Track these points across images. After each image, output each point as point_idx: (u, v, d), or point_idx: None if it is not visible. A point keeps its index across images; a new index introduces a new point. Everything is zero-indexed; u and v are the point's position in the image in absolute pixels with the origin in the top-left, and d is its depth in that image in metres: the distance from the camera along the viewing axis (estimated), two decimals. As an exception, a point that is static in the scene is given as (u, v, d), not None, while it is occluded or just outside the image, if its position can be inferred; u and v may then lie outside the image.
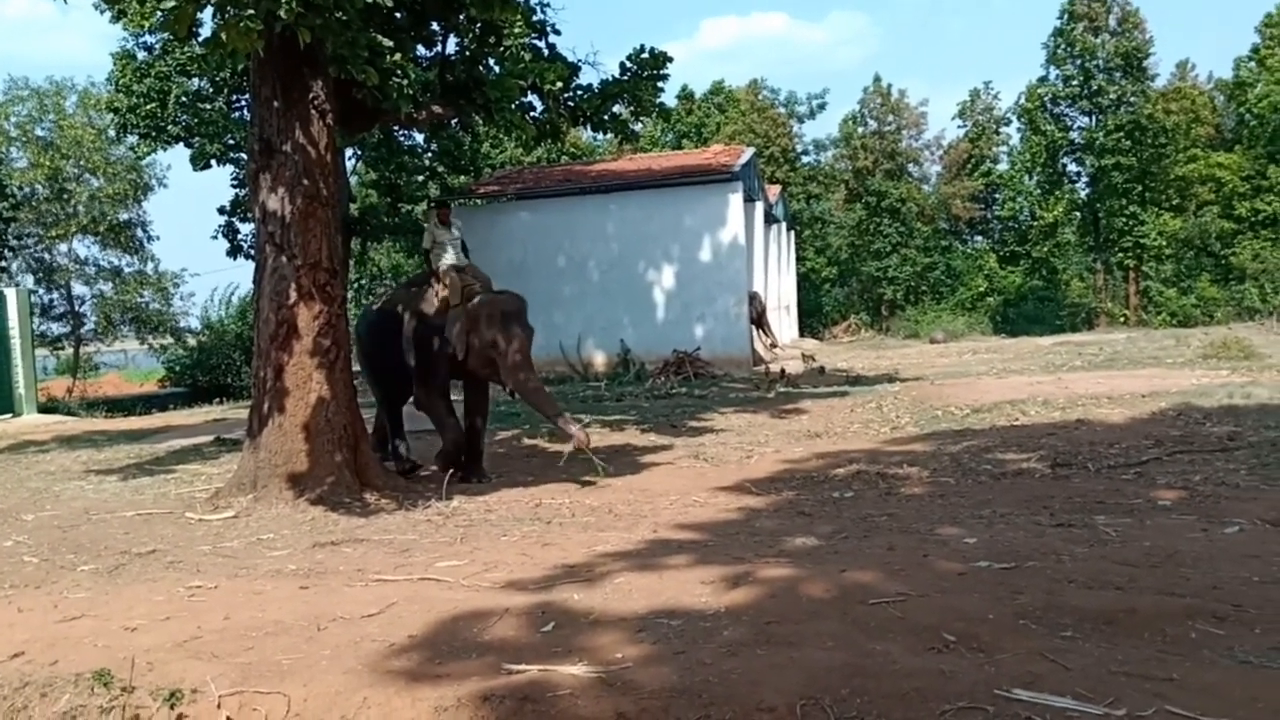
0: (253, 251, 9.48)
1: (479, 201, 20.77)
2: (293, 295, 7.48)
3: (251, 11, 6.11)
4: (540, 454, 9.95)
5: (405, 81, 8.25)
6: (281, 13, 6.15)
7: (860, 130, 41.08)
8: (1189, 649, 3.26)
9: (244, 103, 17.63)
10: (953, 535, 5.22)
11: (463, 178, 21.76)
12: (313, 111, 7.54)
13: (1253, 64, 35.77)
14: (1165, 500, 5.93)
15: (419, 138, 19.83)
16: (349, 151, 18.28)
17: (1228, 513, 5.37)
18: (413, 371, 8.72)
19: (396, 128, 16.15)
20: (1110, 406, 9.89)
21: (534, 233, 20.62)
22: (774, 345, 23.53)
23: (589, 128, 10.59)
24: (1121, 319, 33.45)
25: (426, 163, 20.72)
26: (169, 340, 27.68)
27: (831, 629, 3.55)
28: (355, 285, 30.47)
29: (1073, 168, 37.21)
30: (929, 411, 10.49)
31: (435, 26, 9.44)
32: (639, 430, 11.23)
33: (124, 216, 28.42)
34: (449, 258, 8.87)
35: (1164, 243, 34.58)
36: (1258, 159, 33.65)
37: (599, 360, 20.11)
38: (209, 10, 6.52)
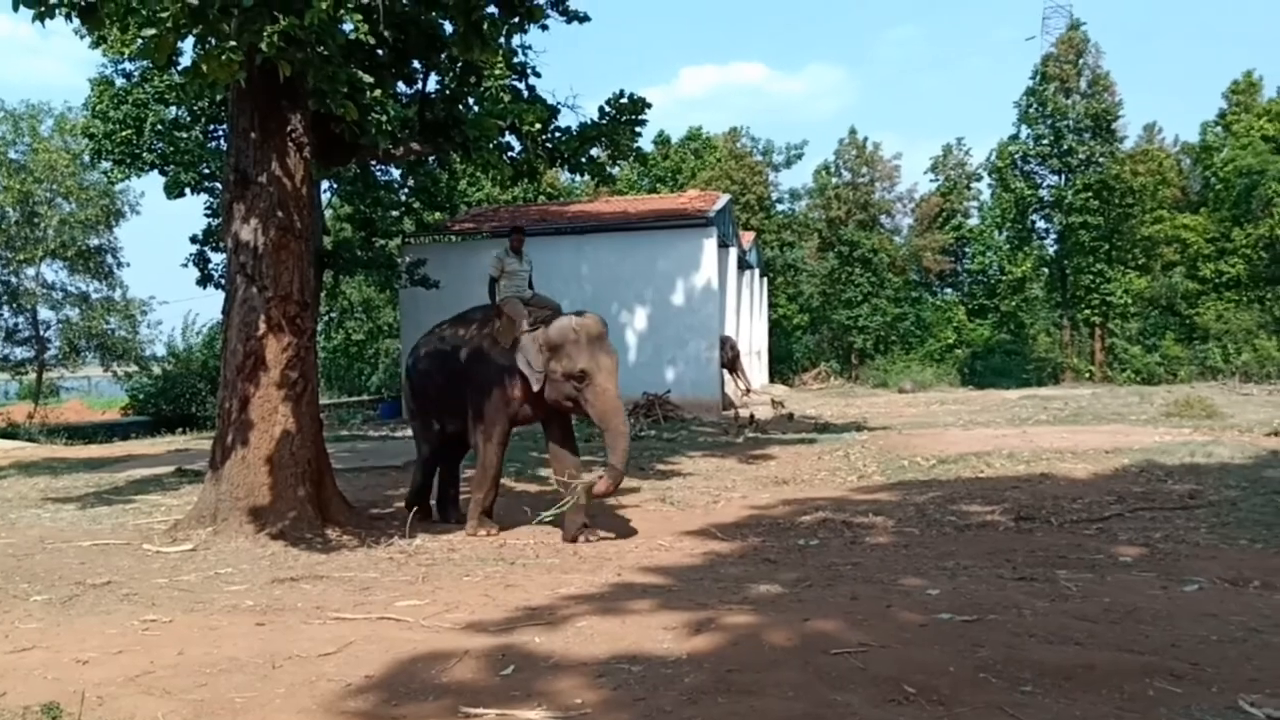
0: (223, 281, 9.43)
1: (453, 238, 20.79)
2: (262, 327, 7.44)
3: (233, 43, 6.13)
4: (506, 493, 9.87)
5: (384, 117, 8.33)
6: (263, 46, 6.17)
7: (834, 181, 41.56)
8: (1146, 706, 3.27)
9: (221, 132, 17.61)
10: (916, 586, 5.22)
11: (438, 214, 21.79)
12: (290, 144, 7.56)
13: (1219, 129, 36.63)
14: (1126, 557, 5.98)
15: (396, 173, 19.87)
16: (324, 184, 18.27)
17: (1187, 571, 5.42)
18: (472, 411, 7.80)
19: (374, 163, 16.18)
20: (1074, 461, 9.97)
21: (508, 271, 20.63)
22: (748, 390, 23.58)
23: (566, 169, 10.69)
24: (1087, 375, 33.83)
25: (402, 198, 20.76)
26: (134, 368, 27.37)
27: (792, 678, 3.54)
28: (326, 318, 30.36)
29: (1042, 224, 37.77)
30: (896, 461, 10.53)
31: (416, 64, 9.51)
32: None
33: (94, 242, 28.18)
34: (516, 290, 8.10)
35: (1130, 301, 35.10)
36: (1222, 221, 34.32)
37: (569, 401, 20.03)
38: (190, 40, 6.55)
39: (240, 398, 7.45)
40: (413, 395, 8.68)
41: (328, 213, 21.54)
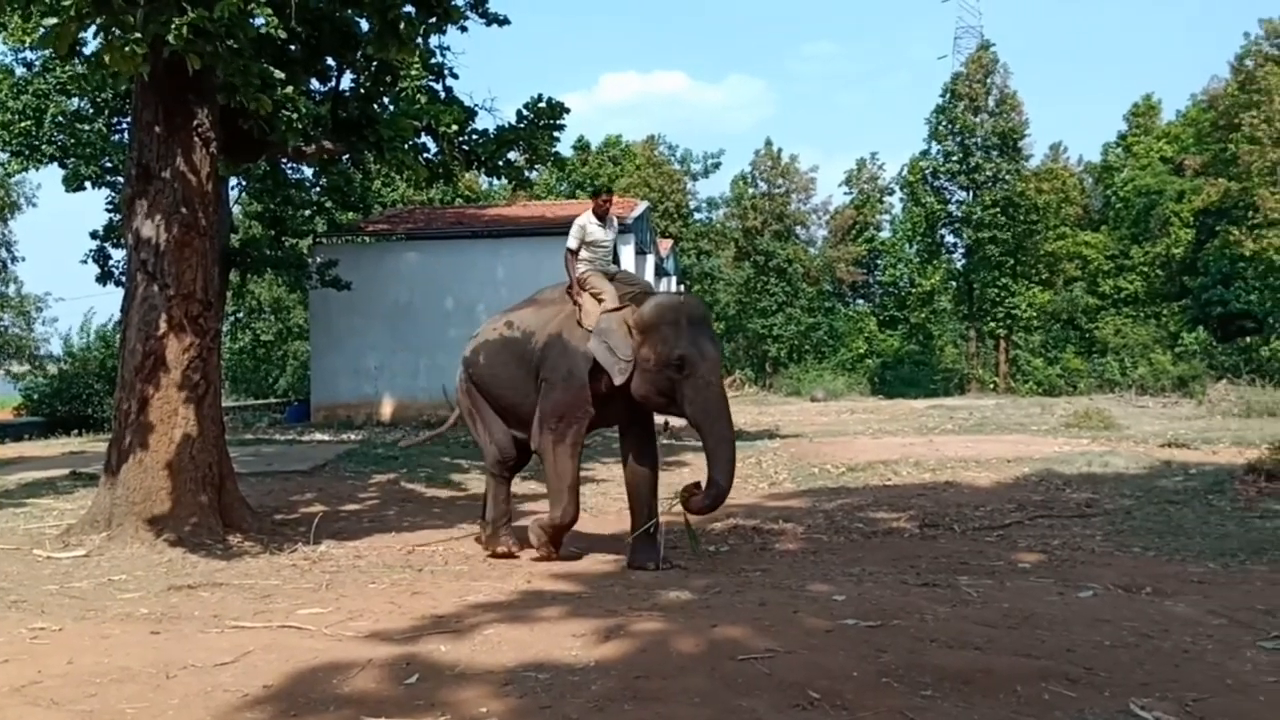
0: (124, 279, 9.13)
1: (366, 239, 20.47)
2: (163, 326, 7.21)
3: (138, 35, 5.93)
4: (417, 499, 9.75)
5: (295, 114, 8.12)
6: (170, 38, 5.99)
7: (751, 191, 42.05)
8: (1041, 710, 3.36)
9: (125, 125, 17.05)
10: (823, 592, 5.29)
11: (351, 214, 21.42)
12: (196, 139, 7.34)
13: (1120, 149, 38.06)
14: (1025, 563, 6.15)
15: (307, 171, 19.47)
16: (232, 181, 17.80)
17: (1083, 577, 5.58)
18: (540, 406, 6.50)
19: (284, 160, 15.82)
20: (977, 470, 10.24)
21: (422, 274, 20.42)
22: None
23: (483, 172, 10.59)
24: (991, 386, 34.76)
25: (314, 197, 20.34)
26: (28, 367, 26.31)
27: (699, 685, 3.55)
28: (232, 319, 29.58)
29: (950, 239, 38.76)
30: (806, 469, 10.68)
31: (330, 61, 9.33)
32: (519, 478, 11.08)
33: (-14, 235, 27.06)
34: (597, 262, 6.79)
35: (1033, 314, 36.18)
36: (1121, 239, 35.62)
37: (483, 406, 19.88)
38: (93, 29, 6.32)
39: (139, 399, 7.20)
40: (476, 395, 7.24)
41: (236, 210, 21.00)
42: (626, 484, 6.59)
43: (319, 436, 16.74)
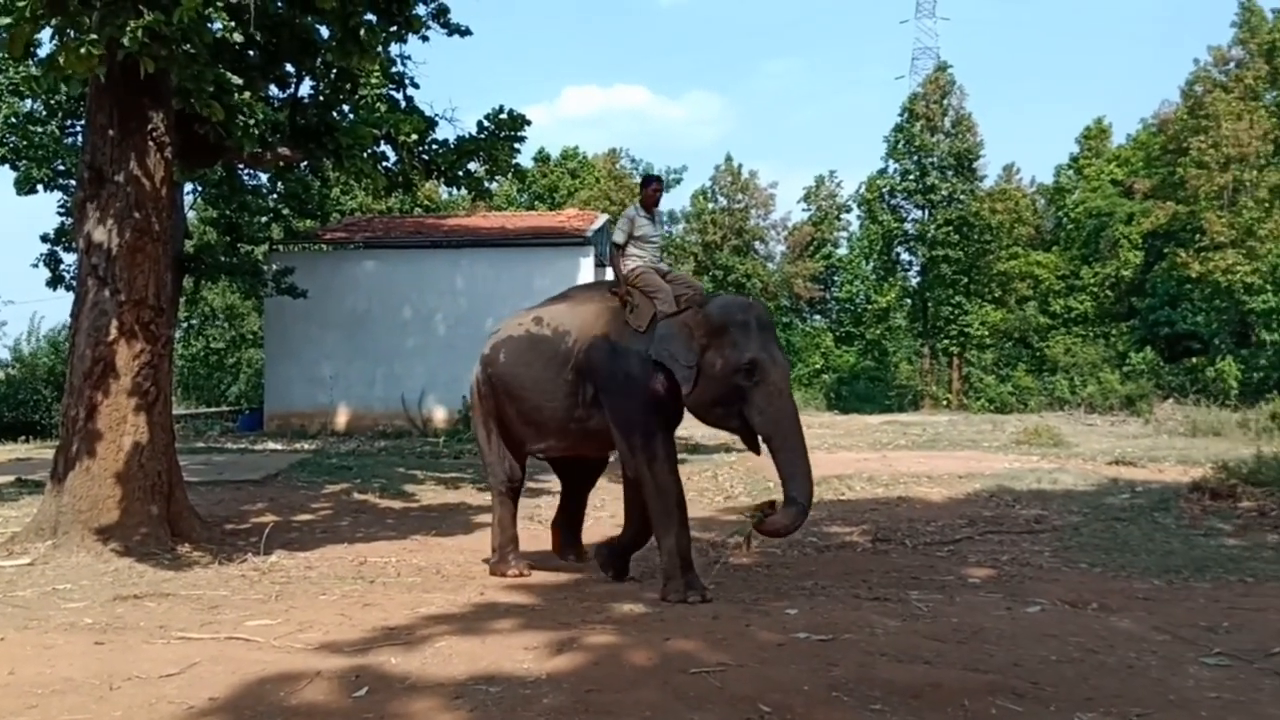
0: (75, 284, 8.99)
1: (324, 248, 20.30)
2: (113, 332, 7.10)
3: (94, 36, 5.87)
4: (370, 510, 9.66)
5: (253, 120, 8.05)
6: (125, 41, 5.92)
7: (711, 206, 42.22)
8: (988, 724, 3.40)
9: (78, 128, 16.78)
10: (776, 606, 5.32)
11: (309, 222, 21.24)
12: (150, 143, 7.25)
13: (1071, 172, 38.70)
14: (975, 578, 6.23)
15: (264, 178, 19.27)
16: (188, 186, 17.58)
17: (1031, 592, 5.67)
18: (614, 424, 5.88)
19: (241, 166, 15.66)
20: (930, 485, 10.35)
21: (380, 283, 20.28)
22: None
23: (443, 182, 10.56)
24: (944, 402, 35.09)
25: (271, 204, 20.15)
26: (-27, 371, 25.72)
27: (651, 698, 3.55)
28: (185, 325, 29.16)
29: (906, 257, 39.10)
30: (762, 483, 10.71)
31: (289, 68, 9.26)
32: (475, 489, 11.07)
33: (-68, 237, 26.46)
34: (649, 260, 6.15)
35: (985, 333, 36.60)
36: (1072, 260, 36.17)
37: (439, 416, 19.79)
38: (48, 31, 6.23)
39: (87, 406, 7.08)
40: (490, 403, 6.57)
41: (190, 215, 20.75)
42: (625, 509, 6.22)
43: (272, 445, 16.55)
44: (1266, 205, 28.84)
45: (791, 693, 3.61)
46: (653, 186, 6.37)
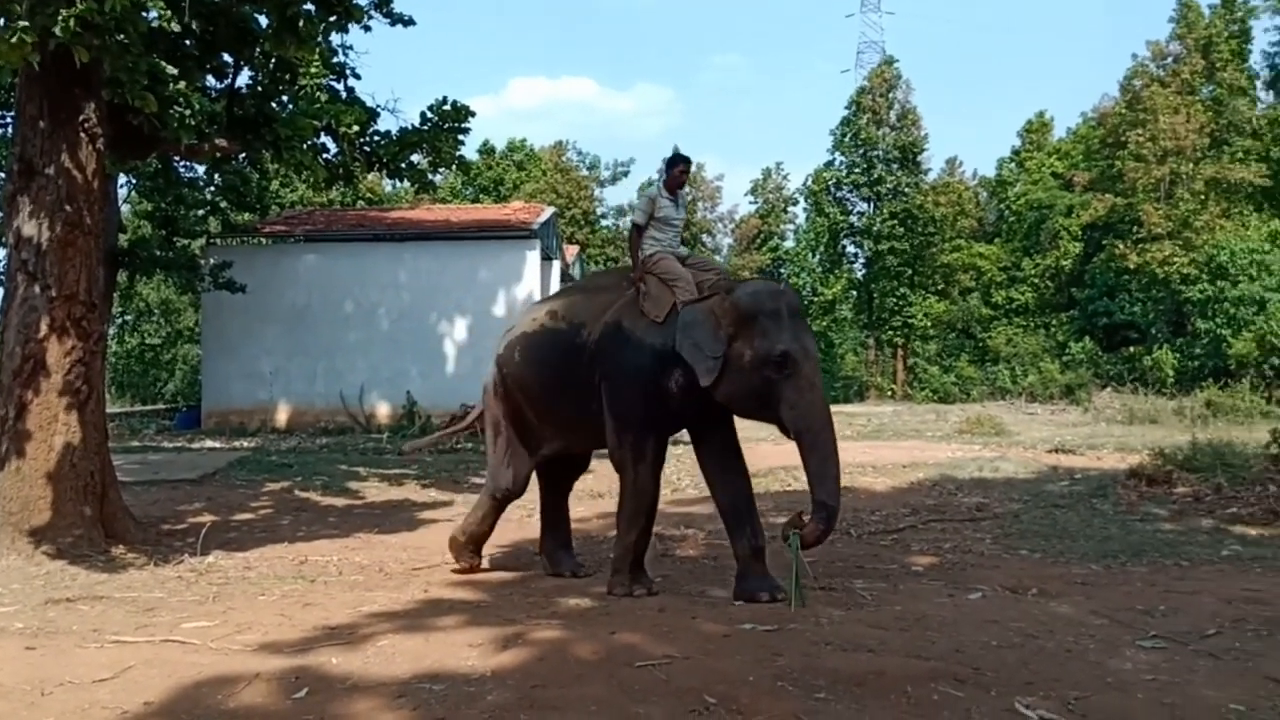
0: (3, 279, 8.72)
1: (263, 241, 19.97)
2: (43, 329, 6.91)
3: (25, 24, 5.70)
4: (312, 508, 9.51)
5: (188, 111, 7.86)
6: (57, 30, 5.76)
7: (658, 199, 42.21)
8: (931, 710, 3.43)
9: (9, 119, 16.31)
10: (722, 597, 5.34)
11: (247, 215, 20.88)
12: (82, 134, 7.05)
13: (1013, 165, 39.37)
14: (918, 566, 6.29)
15: (201, 170, 18.92)
16: (121, 179, 17.18)
17: (973, 579, 5.73)
18: (609, 413, 5.50)
19: (177, 158, 15.33)
20: (874, 475, 10.45)
21: (322, 277, 19.98)
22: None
23: (385, 174, 10.41)
24: (889, 393, 35.52)
25: (208, 197, 19.79)
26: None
27: (597, 692, 3.54)
28: (119, 321, 28.55)
29: (851, 249, 39.51)
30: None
31: (226, 58, 9.06)
32: (419, 485, 10.97)
33: None
34: (667, 243, 5.77)
35: (929, 324, 37.12)
36: (1014, 252, 36.81)
37: (383, 411, 19.57)
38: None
39: (17, 405, 6.88)
40: (507, 405, 6.16)
41: (125, 209, 20.31)
42: (719, 506, 5.65)
43: (210, 444, 16.25)
44: (1202, 197, 29.58)
45: (737, 683, 3.62)
46: (679, 168, 5.92)
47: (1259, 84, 33.40)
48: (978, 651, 4.15)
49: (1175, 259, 28.82)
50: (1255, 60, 33.16)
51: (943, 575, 5.95)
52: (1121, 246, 30.14)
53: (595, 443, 5.96)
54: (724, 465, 5.62)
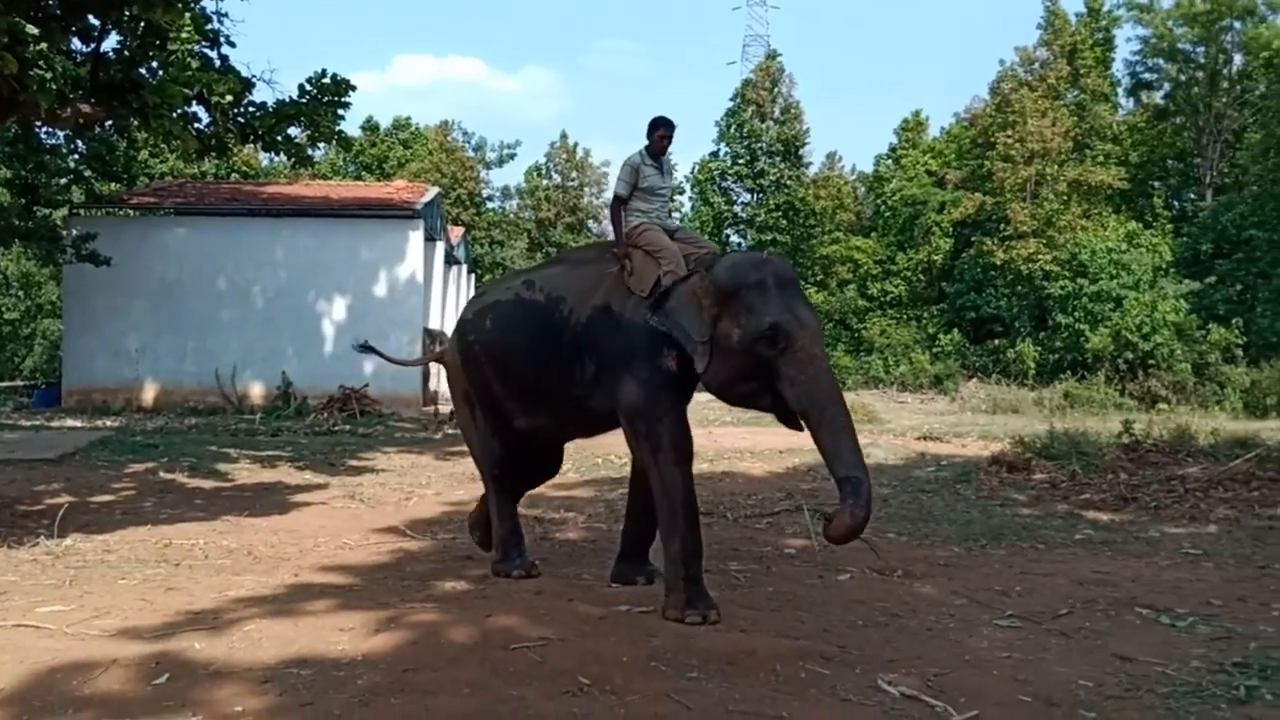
0: None
1: (130, 213, 19.11)
2: (-117, 298, 6.49)
3: None
4: (177, 490, 9.19)
5: (50, 74, 7.47)
6: (-94, -17, 5.41)
7: (545, 183, 42.05)
8: (798, 687, 3.54)
9: None
10: (599, 579, 5.37)
11: (114, 185, 19.97)
12: (-68, 95, 6.65)
13: (890, 161, 40.46)
14: (790, 549, 6.45)
15: (63, 136, 18.01)
16: (-23, 144, 16.27)
17: (841, 561, 5.90)
18: (620, 408, 4.95)
19: (38, 123, 14.56)
20: (752, 460, 10.66)
21: (192, 251, 19.21)
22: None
23: (261, 147, 10.12)
24: (770, 381, 36.18)
25: (71, 165, 18.86)
26: None
27: (470, 675, 3.53)
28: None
29: (735, 239, 40.00)
30: (590, 459, 10.78)
31: (93, 20, 8.64)
32: (293, 467, 10.70)
33: None
34: (653, 214, 5.31)
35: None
36: (889, 245, 37.85)
37: (256, 392, 18.98)
38: None
39: None
40: (470, 373, 5.71)
41: (-20, 175, 19.19)
42: (638, 483, 5.35)
43: (70, 422, 15.52)
44: (1065, 198, 30.95)
45: (611, 664, 3.66)
46: (660, 131, 5.36)
47: (1120, 91, 35.22)
48: (844, 630, 4.30)
49: (1039, 256, 30.09)
50: (1117, 68, 34.98)
51: (814, 557, 6.11)
52: (989, 243, 31.29)
53: (579, 428, 5.76)
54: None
